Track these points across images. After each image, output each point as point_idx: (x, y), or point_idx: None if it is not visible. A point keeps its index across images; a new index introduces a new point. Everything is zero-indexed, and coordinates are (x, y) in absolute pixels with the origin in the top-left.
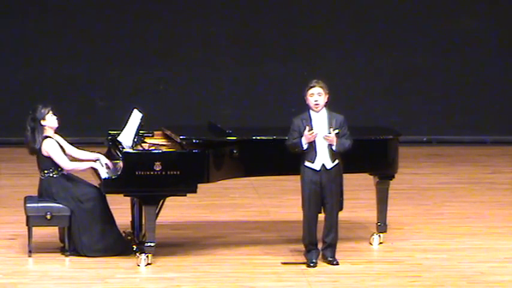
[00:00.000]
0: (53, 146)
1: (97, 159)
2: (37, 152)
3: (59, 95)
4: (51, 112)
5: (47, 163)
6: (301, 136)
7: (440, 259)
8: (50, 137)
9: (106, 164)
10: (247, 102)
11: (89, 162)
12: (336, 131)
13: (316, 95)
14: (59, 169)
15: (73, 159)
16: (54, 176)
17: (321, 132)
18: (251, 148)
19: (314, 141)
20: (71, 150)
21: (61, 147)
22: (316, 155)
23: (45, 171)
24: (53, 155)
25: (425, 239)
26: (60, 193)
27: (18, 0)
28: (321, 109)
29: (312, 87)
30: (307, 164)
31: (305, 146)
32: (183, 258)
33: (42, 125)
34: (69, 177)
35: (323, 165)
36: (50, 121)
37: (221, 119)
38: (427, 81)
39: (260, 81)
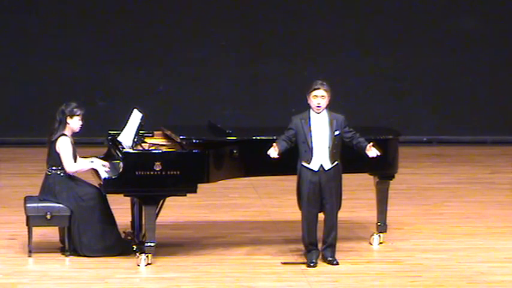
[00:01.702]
0: (66, 145)
1: (91, 162)
2: (51, 145)
3: (59, 95)
4: (80, 116)
5: (56, 159)
6: (295, 136)
7: (440, 259)
8: (66, 136)
9: (104, 165)
10: (247, 102)
11: (89, 164)
12: (337, 132)
13: (320, 98)
14: None
15: None
16: (61, 174)
17: (320, 133)
18: (251, 148)
19: (311, 143)
20: None
21: (74, 149)
22: (312, 156)
23: (53, 168)
24: (62, 153)
25: (425, 239)
26: (63, 192)
27: (18, 0)
28: (322, 111)
29: (316, 89)
30: (304, 164)
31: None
32: (183, 258)
33: (66, 122)
34: (73, 177)
35: (321, 165)
36: (75, 123)
37: (221, 119)
38: (427, 81)
39: (260, 81)
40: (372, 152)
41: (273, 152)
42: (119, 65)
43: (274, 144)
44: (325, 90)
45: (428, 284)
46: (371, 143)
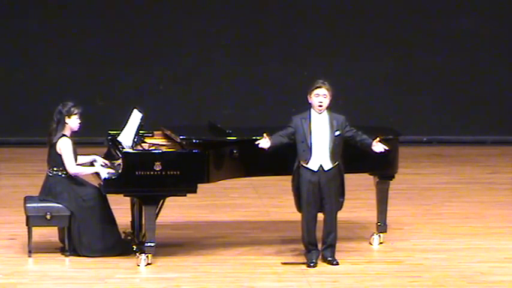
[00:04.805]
0: (67, 146)
1: (93, 160)
2: (52, 145)
3: (59, 95)
4: (78, 115)
5: (57, 160)
6: (293, 134)
7: (440, 259)
8: (67, 137)
9: (104, 164)
10: (247, 102)
11: (92, 168)
12: (337, 132)
13: (322, 97)
14: None
15: None
16: (62, 175)
17: (320, 133)
18: (251, 148)
19: (310, 143)
20: None
21: (75, 150)
22: (310, 156)
23: (54, 169)
24: (63, 154)
25: (425, 239)
26: (64, 194)
27: (18, 0)
28: (323, 111)
29: (318, 87)
30: (303, 164)
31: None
32: (183, 258)
33: (65, 122)
34: (74, 178)
35: (321, 166)
36: (73, 122)
37: (221, 119)
38: (427, 81)
39: (260, 81)
40: (378, 146)
41: (265, 143)
42: (118, 65)
43: (265, 134)
44: (327, 89)
45: (428, 284)
46: (377, 138)
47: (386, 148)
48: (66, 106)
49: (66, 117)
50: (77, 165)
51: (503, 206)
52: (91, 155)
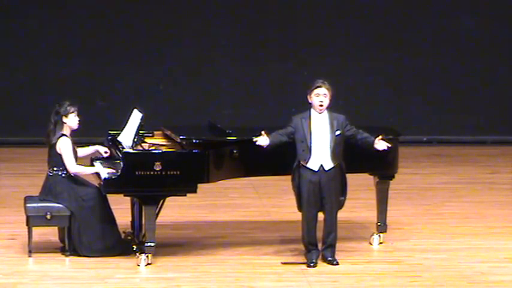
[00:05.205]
0: (66, 145)
1: (96, 151)
2: (51, 146)
3: (59, 94)
4: (75, 112)
5: (57, 160)
6: (293, 134)
7: (440, 259)
8: (66, 136)
9: (105, 152)
10: (247, 102)
11: (92, 168)
12: (338, 132)
13: (322, 96)
14: None
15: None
16: (62, 175)
17: (320, 132)
18: (251, 148)
19: (310, 142)
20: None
21: (74, 150)
22: (310, 156)
23: (55, 168)
24: (63, 153)
25: (425, 239)
26: (64, 193)
27: (18, 0)
28: (323, 110)
29: (318, 87)
30: (303, 163)
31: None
32: (183, 258)
33: (63, 122)
34: (74, 177)
35: (321, 165)
36: (72, 121)
37: (221, 119)
38: (427, 81)
39: (260, 81)
40: (381, 144)
41: (263, 140)
42: (119, 65)
43: (263, 132)
44: (327, 88)
45: (428, 284)
46: (380, 136)
47: (389, 145)
48: (63, 106)
49: (64, 117)
50: (77, 164)
51: (503, 206)
52: (93, 146)
